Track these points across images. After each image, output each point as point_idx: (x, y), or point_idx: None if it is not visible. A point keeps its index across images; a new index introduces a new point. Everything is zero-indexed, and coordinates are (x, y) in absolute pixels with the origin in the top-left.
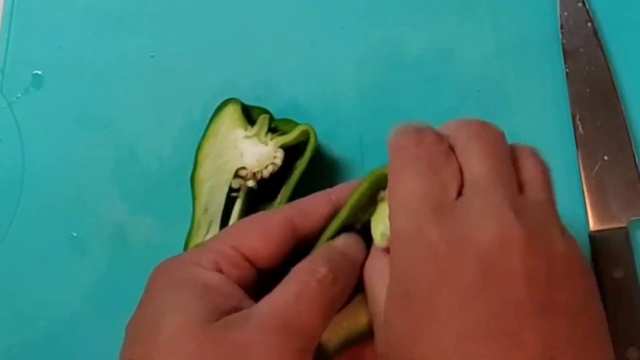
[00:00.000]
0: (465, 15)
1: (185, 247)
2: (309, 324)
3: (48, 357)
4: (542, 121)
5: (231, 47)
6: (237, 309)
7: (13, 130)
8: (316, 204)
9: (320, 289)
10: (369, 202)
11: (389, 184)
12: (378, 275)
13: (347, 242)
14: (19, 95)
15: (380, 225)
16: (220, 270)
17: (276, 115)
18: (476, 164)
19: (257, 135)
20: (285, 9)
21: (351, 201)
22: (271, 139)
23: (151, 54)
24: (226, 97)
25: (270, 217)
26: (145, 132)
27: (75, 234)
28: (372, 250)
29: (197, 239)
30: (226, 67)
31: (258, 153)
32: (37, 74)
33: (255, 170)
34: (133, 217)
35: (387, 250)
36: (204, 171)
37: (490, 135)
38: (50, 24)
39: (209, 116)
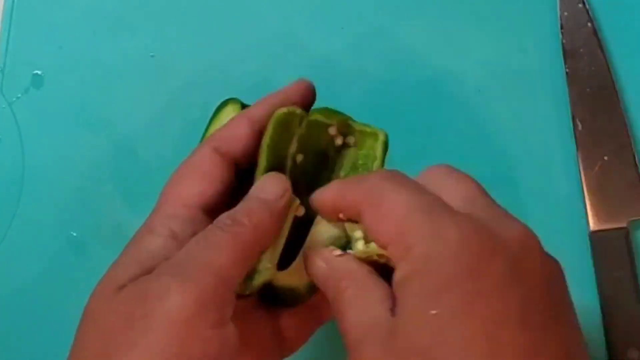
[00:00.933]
0: (465, 16)
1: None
2: (220, 266)
3: (48, 356)
4: (542, 121)
5: (231, 46)
6: None
7: (13, 130)
8: (234, 127)
9: (233, 236)
10: (283, 141)
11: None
12: (354, 285)
13: (264, 186)
14: (19, 95)
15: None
16: (175, 236)
17: None
18: (457, 189)
19: None
20: (286, 9)
21: (263, 147)
22: None
23: (151, 54)
24: (226, 97)
25: (197, 156)
26: (145, 131)
27: (75, 234)
28: (334, 250)
29: None
30: (226, 66)
31: None
32: (37, 74)
33: None
34: (133, 217)
35: (365, 260)
36: None
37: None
38: (50, 24)
39: (209, 116)
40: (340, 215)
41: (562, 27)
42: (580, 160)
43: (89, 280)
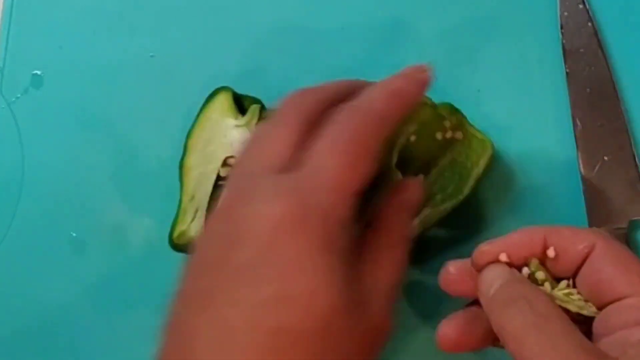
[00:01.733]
0: (464, 17)
1: (171, 234)
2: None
3: (48, 357)
4: (542, 121)
5: (231, 47)
6: None
7: (13, 131)
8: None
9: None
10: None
11: None
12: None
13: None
14: (19, 95)
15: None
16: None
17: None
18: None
19: (247, 124)
20: (287, 8)
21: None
22: None
23: (151, 54)
24: None
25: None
26: (145, 132)
27: (74, 234)
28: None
29: (182, 226)
30: (226, 66)
31: None
32: (36, 74)
33: None
34: (133, 217)
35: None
36: (192, 158)
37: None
38: (50, 24)
39: None
40: (503, 258)
41: (562, 27)
42: (580, 160)
43: (89, 280)
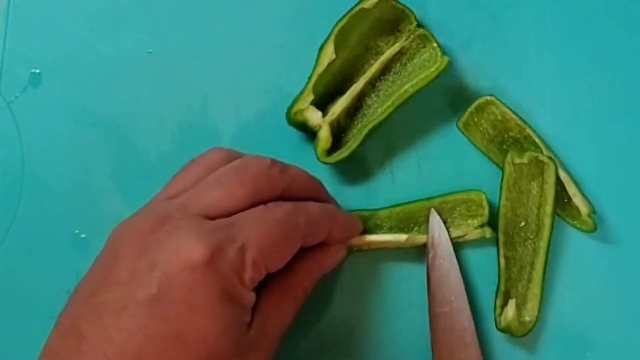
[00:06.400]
0: (465, 16)
1: (289, 109)
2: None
3: None
4: None
5: (228, 42)
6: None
7: (12, 130)
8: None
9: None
10: None
11: None
12: None
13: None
14: (17, 94)
15: None
16: (255, 288)
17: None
18: None
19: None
20: (282, 3)
21: None
22: None
23: (149, 50)
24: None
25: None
26: (145, 128)
27: (77, 231)
28: None
29: (302, 104)
30: (224, 61)
31: None
32: (35, 72)
33: None
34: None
35: None
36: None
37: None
38: (47, 22)
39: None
40: None
41: None
42: None
43: None
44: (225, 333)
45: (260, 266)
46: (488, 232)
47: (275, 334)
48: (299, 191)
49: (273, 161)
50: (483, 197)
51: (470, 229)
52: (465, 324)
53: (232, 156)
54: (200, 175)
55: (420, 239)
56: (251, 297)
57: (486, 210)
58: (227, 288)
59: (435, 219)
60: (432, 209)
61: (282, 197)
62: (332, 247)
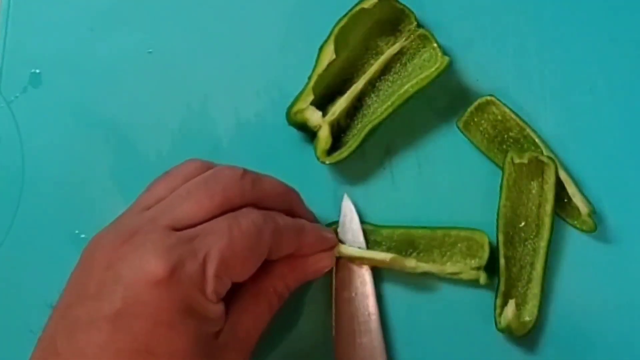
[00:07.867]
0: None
1: (290, 108)
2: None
3: None
4: None
5: (228, 41)
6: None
7: (12, 130)
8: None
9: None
10: None
11: None
12: None
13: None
14: (18, 94)
15: None
16: (220, 299)
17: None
18: None
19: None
20: (284, 3)
21: None
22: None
23: (149, 50)
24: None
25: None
26: (145, 127)
27: (77, 231)
28: None
29: (302, 104)
30: (224, 61)
31: None
32: (35, 72)
33: None
34: None
35: None
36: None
37: None
38: (48, 22)
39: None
40: None
41: None
42: None
43: None
44: (193, 347)
45: (223, 278)
46: (483, 278)
47: (249, 336)
48: (271, 202)
49: (245, 172)
50: (486, 239)
51: (467, 268)
52: (371, 310)
53: (207, 167)
54: (174, 186)
55: (408, 262)
56: (217, 308)
57: (486, 254)
58: (189, 303)
59: (347, 204)
60: (345, 195)
61: (255, 207)
62: (314, 256)
